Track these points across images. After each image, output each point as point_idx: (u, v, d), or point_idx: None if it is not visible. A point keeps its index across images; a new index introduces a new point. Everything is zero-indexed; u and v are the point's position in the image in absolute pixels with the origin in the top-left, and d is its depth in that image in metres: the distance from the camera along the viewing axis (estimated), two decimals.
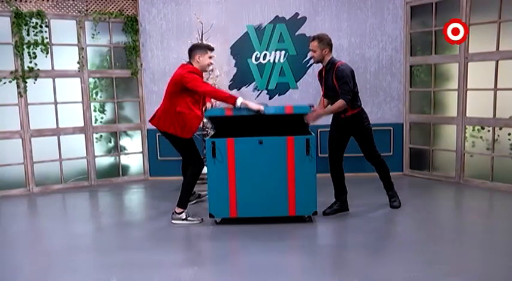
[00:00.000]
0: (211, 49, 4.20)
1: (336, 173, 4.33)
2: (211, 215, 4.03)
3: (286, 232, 3.82)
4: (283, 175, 3.91)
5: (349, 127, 4.23)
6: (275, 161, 3.90)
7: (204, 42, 5.50)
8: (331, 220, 4.10)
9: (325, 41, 4.12)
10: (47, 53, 5.51)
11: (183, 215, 4.13)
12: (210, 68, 4.51)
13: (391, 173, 4.35)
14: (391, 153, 5.85)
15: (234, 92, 5.94)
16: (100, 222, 4.50)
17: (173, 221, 4.14)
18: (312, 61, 5.75)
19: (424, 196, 4.92)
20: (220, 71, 5.66)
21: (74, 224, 4.41)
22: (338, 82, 4.05)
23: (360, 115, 4.22)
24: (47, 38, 5.50)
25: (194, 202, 4.77)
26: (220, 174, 3.94)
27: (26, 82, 5.41)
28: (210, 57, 4.16)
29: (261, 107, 3.88)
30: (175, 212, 4.16)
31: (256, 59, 5.89)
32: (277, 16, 5.84)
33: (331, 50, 4.16)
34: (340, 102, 4.03)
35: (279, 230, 3.84)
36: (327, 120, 5.74)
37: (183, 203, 4.15)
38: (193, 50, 4.15)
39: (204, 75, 5.40)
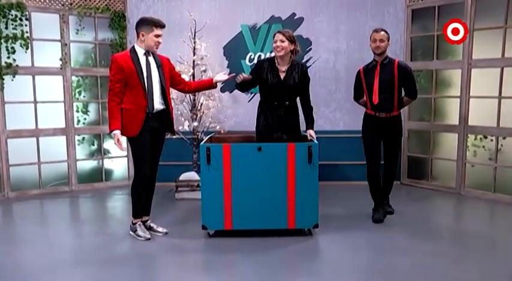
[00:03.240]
0: (160, 26, 3.58)
1: (377, 176, 4.22)
2: (204, 227, 3.72)
3: (284, 247, 3.53)
4: (283, 184, 3.64)
5: (389, 128, 4.11)
6: (275, 169, 3.62)
7: (197, 41, 5.21)
8: (332, 234, 3.83)
9: (388, 35, 4.07)
10: (27, 48, 5.13)
11: (135, 228, 3.80)
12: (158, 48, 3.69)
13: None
14: None
15: (225, 95, 5.67)
16: (80, 232, 4.12)
17: (129, 232, 3.86)
18: (307, 63, 5.60)
19: (423, 206, 4.72)
20: (212, 72, 5.35)
21: (52, 233, 4.04)
22: (407, 80, 4.06)
23: (400, 117, 4.21)
24: (27, 32, 5.12)
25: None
26: (215, 182, 3.64)
27: (3, 79, 5.02)
28: (157, 36, 3.57)
29: (123, 148, 3.60)
30: (131, 222, 3.86)
31: (251, 60, 5.63)
32: (273, 16, 5.59)
33: None
34: (410, 101, 4.26)
35: (277, 245, 3.56)
36: (321, 126, 5.60)
37: (133, 213, 3.81)
38: (137, 26, 3.60)
39: (196, 76, 5.19)
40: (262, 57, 5.59)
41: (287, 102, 3.85)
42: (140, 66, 3.57)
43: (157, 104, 3.66)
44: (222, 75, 3.91)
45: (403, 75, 4.02)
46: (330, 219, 4.17)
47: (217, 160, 3.63)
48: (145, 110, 3.58)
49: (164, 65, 3.72)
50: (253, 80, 3.87)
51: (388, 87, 4.02)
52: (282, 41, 3.74)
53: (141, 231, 3.77)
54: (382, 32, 4.03)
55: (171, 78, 3.82)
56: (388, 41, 4.03)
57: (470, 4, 4.88)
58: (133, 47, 3.64)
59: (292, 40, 3.78)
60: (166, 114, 3.75)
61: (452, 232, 4.01)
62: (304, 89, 3.93)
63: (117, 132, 3.52)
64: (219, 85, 4.33)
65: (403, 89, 4.12)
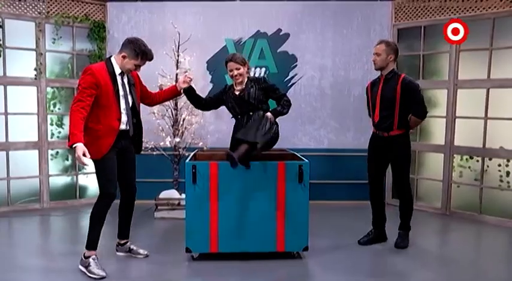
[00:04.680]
0: (146, 58, 3.31)
1: (376, 199, 4.02)
2: (187, 250, 3.50)
3: (273, 271, 3.35)
4: (272, 205, 3.47)
5: (390, 149, 3.83)
6: (264, 189, 3.45)
7: (181, 54, 5.04)
8: (322, 257, 3.67)
9: (392, 47, 3.81)
10: None
11: (87, 262, 3.24)
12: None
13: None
14: None
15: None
16: (49, 254, 3.80)
17: (79, 266, 3.31)
18: (295, 79, 5.50)
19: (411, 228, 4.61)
20: (195, 86, 5.16)
21: (18, 255, 3.70)
22: (412, 97, 3.73)
23: (405, 137, 3.86)
24: (0, 39, 4.85)
25: (123, 254, 3.66)
26: (201, 202, 3.45)
27: None
28: (136, 66, 3.29)
29: (86, 163, 3.04)
30: (83, 255, 3.32)
31: None
32: (258, 31, 5.49)
33: (395, 59, 3.85)
34: (418, 121, 3.89)
35: (265, 269, 3.37)
36: (306, 144, 5.48)
37: (88, 244, 3.30)
38: (126, 44, 3.27)
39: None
40: None
41: (251, 113, 3.67)
42: (117, 85, 3.26)
43: (133, 126, 3.42)
44: (183, 83, 3.70)
45: (407, 92, 3.71)
46: (317, 241, 4.00)
47: (203, 178, 3.44)
48: (117, 132, 3.24)
49: (136, 83, 3.47)
50: (212, 103, 3.91)
51: (389, 104, 3.75)
52: (238, 69, 3.63)
53: (95, 267, 3.21)
54: (379, 45, 3.79)
55: (141, 94, 3.54)
56: (388, 55, 3.74)
57: None
58: (111, 60, 3.31)
59: (244, 63, 3.69)
60: (136, 133, 3.47)
61: (440, 255, 3.90)
62: (270, 95, 3.75)
63: (81, 144, 2.99)
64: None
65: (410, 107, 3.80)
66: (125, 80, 3.34)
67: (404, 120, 3.80)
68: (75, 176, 5.44)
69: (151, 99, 3.72)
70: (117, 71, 3.29)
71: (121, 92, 3.29)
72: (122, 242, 3.63)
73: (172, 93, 3.78)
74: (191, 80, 3.74)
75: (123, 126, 3.31)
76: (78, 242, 4.08)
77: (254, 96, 3.65)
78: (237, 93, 3.71)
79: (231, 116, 5.40)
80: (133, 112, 3.40)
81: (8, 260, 3.60)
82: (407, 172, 3.88)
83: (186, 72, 3.74)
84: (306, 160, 3.57)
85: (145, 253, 3.64)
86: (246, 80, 3.72)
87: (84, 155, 2.98)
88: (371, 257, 3.72)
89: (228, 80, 5.47)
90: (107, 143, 3.21)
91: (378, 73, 3.95)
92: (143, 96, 3.60)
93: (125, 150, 3.40)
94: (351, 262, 3.61)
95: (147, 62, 3.40)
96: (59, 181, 5.40)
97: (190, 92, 3.77)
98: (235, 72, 3.64)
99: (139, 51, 3.25)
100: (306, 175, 3.49)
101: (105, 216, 3.32)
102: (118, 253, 3.67)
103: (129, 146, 3.44)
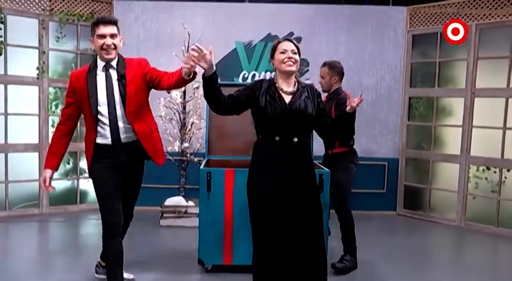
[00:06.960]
0: (99, 23, 2.64)
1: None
2: (200, 261, 3.32)
3: None
4: None
5: (332, 165, 3.58)
6: None
7: None
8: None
9: (336, 69, 3.81)
10: (0, 54, 4.65)
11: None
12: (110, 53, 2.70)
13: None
14: (385, 190, 5.40)
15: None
16: (47, 266, 3.55)
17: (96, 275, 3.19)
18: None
19: (421, 239, 4.48)
20: (201, 91, 4.98)
21: (12, 267, 3.43)
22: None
23: (347, 156, 3.71)
24: (1, 36, 4.65)
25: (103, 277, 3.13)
26: (215, 212, 3.26)
27: None
28: (101, 37, 2.63)
29: (47, 190, 2.83)
30: (98, 263, 3.19)
31: (244, 79, 5.31)
32: (269, 34, 5.32)
33: (341, 80, 3.83)
34: None
35: None
36: (317, 151, 5.31)
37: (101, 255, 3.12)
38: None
39: (187, 93, 4.82)
40: (257, 76, 5.29)
41: (295, 139, 2.62)
42: (95, 86, 2.68)
43: (126, 133, 2.76)
44: (186, 63, 2.44)
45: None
46: (333, 253, 3.83)
47: (218, 186, 3.26)
48: (92, 146, 2.75)
49: (130, 75, 2.72)
50: (240, 104, 2.66)
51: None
52: (295, 53, 2.64)
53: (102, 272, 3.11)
54: (323, 68, 3.84)
55: (150, 84, 2.77)
56: (332, 77, 3.78)
57: (474, 32, 4.76)
58: (96, 59, 2.77)
59: (300, 54, 2.71)
60: (134, 144, 2.80)
61: (450, 269, 3.73)
62: (325, 119, 2.82)
63: (48, 172, 2.77)
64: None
65: None
66: (114, 75, 2.70)
67: (346, 139, 3.66)
68: (75, 181, 5.22)
69: (161, 86, 2.75)
70: (101, 66, 2.71)
71: (102, 94, 2.70)
72: (104, 264, 3.08)
73: (177, 79, 2.61)
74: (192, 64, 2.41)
75: (103, 140, 2.73)
76: (79, 251, 3.88)
77: (309, 111, 2.64)
78: (287, 100, 2.62)
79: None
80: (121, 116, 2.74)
81: (3, 270, 3.36)
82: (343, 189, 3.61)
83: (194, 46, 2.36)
84: (326, 169, 3.40)
85: (131, 277, 3.15)
86: (294, 79, 2.72)
87: (45, 181, 2.76)
88: (387, 273, 3.55)
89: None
90: (88, 157, 2.80)
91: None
92: (154, 85, 2.78)
93: (124, 168, 2.79)
94: (361, 273, 3.46)
95: (153, 63, 2.86)
96: (59, 185, 5.14)
97: (208, 80, 2.45)
98: (291, 54, 2.61)
99: (93, 22, 2.69)
100: (326, 185, 3.31)
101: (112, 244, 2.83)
102: (97, 276, 3.18)
103: (131, 164, 2.83)
